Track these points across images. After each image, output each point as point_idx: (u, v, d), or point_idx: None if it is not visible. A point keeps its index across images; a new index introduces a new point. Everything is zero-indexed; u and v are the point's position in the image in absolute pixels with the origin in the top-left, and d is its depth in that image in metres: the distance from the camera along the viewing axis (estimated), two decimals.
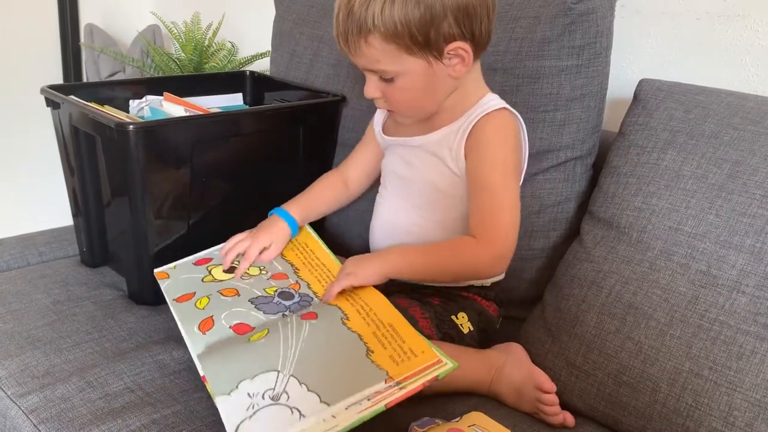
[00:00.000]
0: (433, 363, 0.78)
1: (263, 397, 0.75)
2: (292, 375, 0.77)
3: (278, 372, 0.78)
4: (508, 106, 0.99)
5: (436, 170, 1.01)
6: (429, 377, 0.77)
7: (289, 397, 0.75)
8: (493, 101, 0.99)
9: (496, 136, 0.96)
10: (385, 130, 1.10)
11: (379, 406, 0.73)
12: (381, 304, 0.88)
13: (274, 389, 0.76)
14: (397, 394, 0.75)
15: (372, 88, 0.97)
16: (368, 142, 1.15)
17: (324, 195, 1.15)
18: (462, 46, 0.92)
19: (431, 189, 1.02)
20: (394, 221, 1.07)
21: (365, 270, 0.93)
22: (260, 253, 1.04)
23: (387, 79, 0.94)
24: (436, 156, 1.00)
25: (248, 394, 0.76)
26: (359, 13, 0.89)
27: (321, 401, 0.74)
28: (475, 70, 0.99)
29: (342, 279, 0.92)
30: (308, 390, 0.75)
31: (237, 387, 0.77)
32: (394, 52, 0.91)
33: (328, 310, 0.88)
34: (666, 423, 0.85)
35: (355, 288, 0.92)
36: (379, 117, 1.12)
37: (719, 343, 0.83)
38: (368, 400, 0.74)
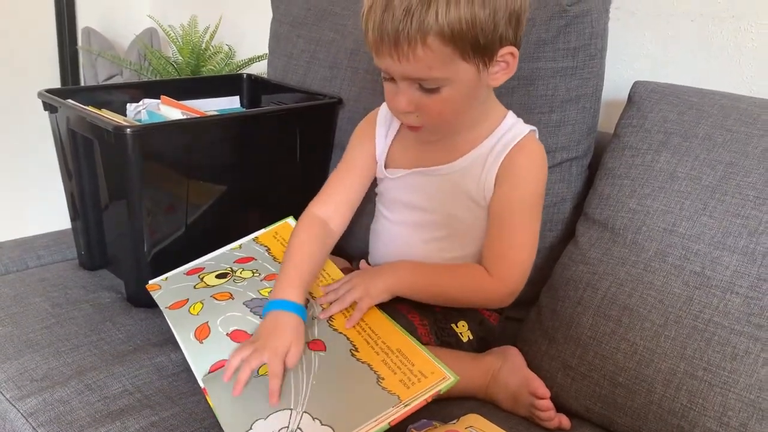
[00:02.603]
0: (440, 379, 0.79)
1: None
2: (305, 411, 0.77)
3: (291, 410, 0.77)
4: (532, 128, 0.96)
5: (458, 201, 0.96)
6: (432, 392, 0.77)
7: None
8: (518, 125, 0.95)
9: (529, 171, 0.93)
10: (390, 160, 1.01)
11: (384, 425, 0.74)
12: (388, 330, 0.87)
13: (288, 427, 0.75)
14: (401, 411, 0.75)
15: (406, 101, 0.86)
16: (354, 172, 1.02)
17: (312, 251, 0.95)
18: (512, 51, 0.86)
19: (452, 221, 0.97)
20: (407, 255, 0.99)
21: (376, 287, 0.91)
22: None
23: (429, 89, 0.84)
24: (459, 186, 0.95)
25: None
26: (419, 11, 0.78)
27: None
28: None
29: (361, 304, 0.89)
30: (322, 424, 0.75)
31: (251, 428, 0.76)
32: (449, 57, 0.82)
33: (337, 340, 0.87)
34: (661, 423, 0.85)
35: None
36: (379, 147, 1.02)
37: (713, 343, 0.84)
38: (375, 421, 0.74)
